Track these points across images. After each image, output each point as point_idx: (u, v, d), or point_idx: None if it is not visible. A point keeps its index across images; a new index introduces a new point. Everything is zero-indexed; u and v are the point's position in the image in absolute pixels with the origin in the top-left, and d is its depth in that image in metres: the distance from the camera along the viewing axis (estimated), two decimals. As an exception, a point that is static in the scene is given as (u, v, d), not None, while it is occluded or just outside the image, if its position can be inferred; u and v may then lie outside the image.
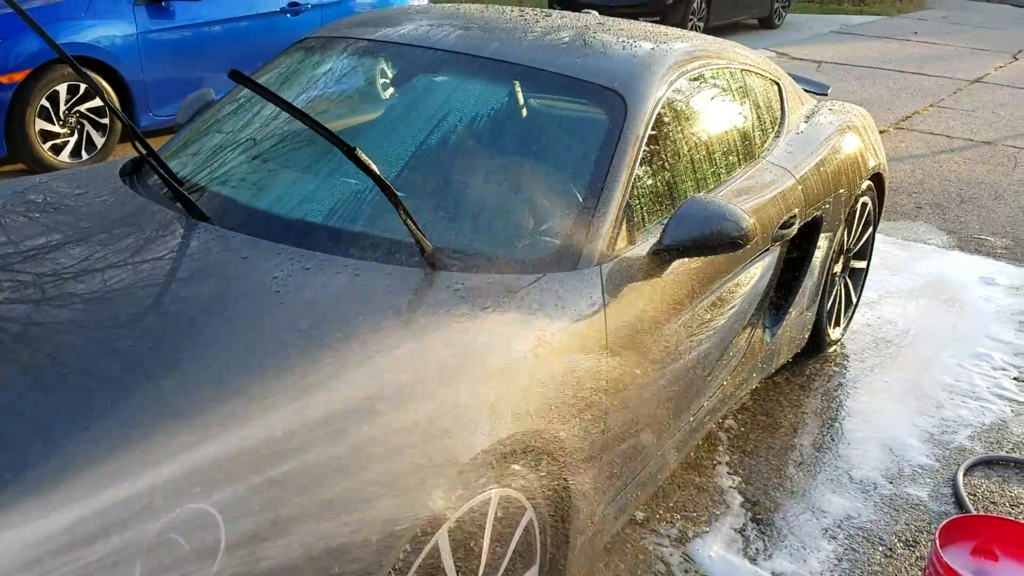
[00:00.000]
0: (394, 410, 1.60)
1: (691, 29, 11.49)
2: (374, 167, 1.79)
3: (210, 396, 1.53)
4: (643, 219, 2.36)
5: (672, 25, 11.12)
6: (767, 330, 3.10)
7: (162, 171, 2.18)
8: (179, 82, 5.80)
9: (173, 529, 1.33)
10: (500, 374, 1.78)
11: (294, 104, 2.62)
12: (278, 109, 2.48)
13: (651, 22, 11.07)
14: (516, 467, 1.81)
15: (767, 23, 13.54)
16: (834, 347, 3.79)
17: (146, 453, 1.41)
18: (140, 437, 1.44)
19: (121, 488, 1.36)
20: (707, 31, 12.02)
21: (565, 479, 1.96)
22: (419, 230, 1.93)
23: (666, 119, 2.52)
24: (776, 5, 13.55)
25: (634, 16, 11.22)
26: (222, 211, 2.18)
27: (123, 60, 5.48)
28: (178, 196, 2.16)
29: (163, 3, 5.66)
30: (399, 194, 1.89)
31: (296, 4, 6.39)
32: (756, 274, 2.84)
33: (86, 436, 1.43)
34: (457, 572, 1.70)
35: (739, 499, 2.81)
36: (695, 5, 11.65)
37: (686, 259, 2.35)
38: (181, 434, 1.45)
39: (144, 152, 2.17)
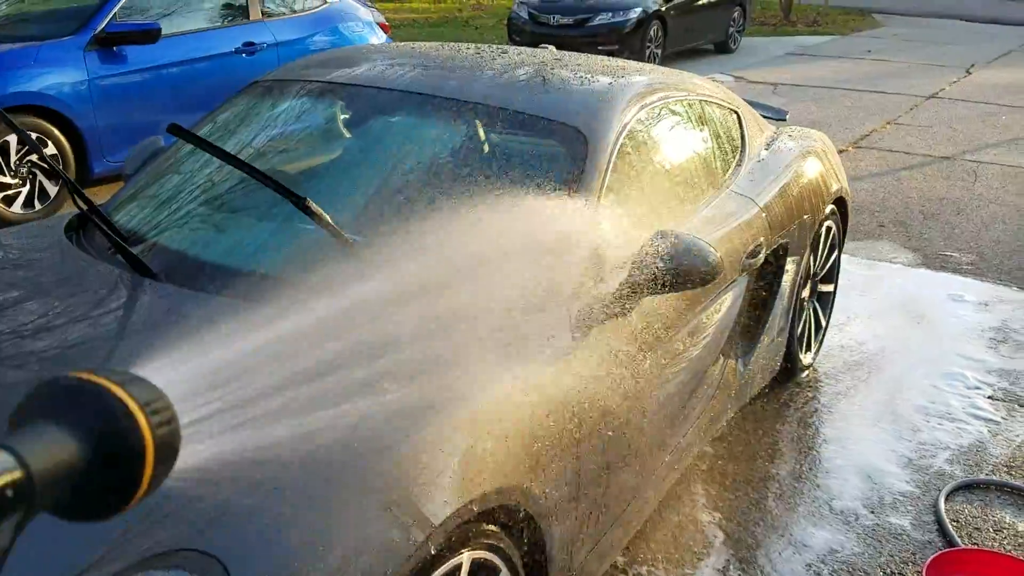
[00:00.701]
0: (354, 473, 1.51)
1: (648, 56, 11.59)
2: (327, 216, 1.71)
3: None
4: (611, 256, 2.30)
5: (630, 53, 11.20)
6: (740, 359, 3.05)
7: (104, 227, 2.09)
8: (134, 127, 5.68)
9: None
10: (466, 428, 1.70)
11: (245, 150, 2.55)
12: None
13: (608, 51, 11.14)
14: (489, 526, 1.73)
15: (723, 48, 13.69)
16: (807, 372, 3.75)
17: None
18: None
19: None
20: (664, 58, 12.12)
21: (540, 533, 1.88)
22: (376, 280, 1.86)
23: (628, 153, 2.47)
24: (731, 30, 13.71)
25: (592, 46, 11.29)
26: (169, 266, 2.09)
27: (75, 107, 5.37)
28: (122, 252, 2.07)
29: (115, 48, 5.56)
30: (354, 241, 1.82)
31: (252, 44, 6.32)
32: (726, 304, 2.79)
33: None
34: (428, 644, 1.61)
35: (720, 536, 2.74)
36: (651, 33, 11.74)
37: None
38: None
39: (85, 207, 2.08)
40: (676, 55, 12.69)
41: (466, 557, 1.66)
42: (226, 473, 1.43)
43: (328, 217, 1.70)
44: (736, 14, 13.73)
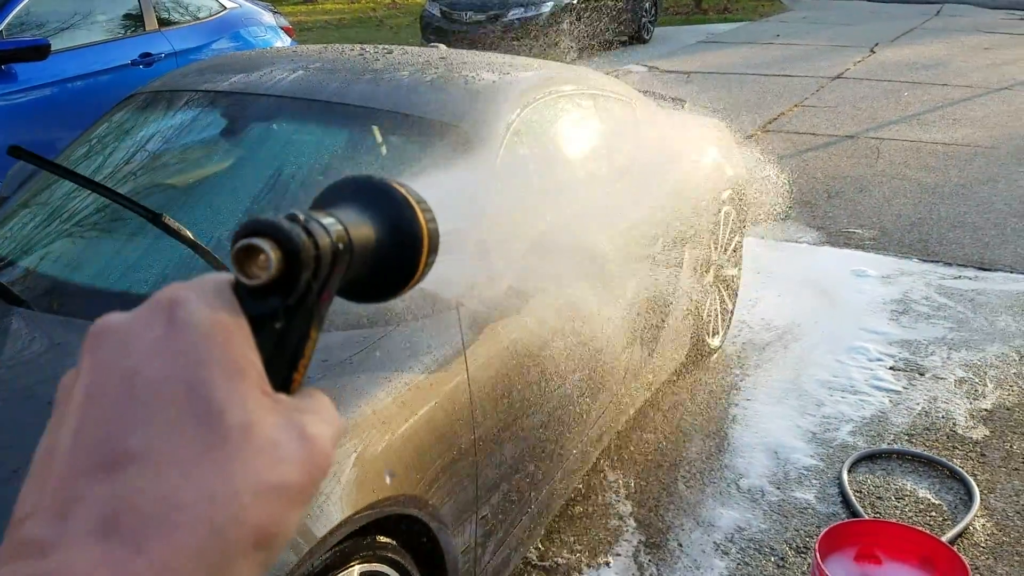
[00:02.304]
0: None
1: (565, 49, 11.65)
2: (186, 231, 1.67)
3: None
4: (500, 255, 2.29)
5: (546, 46, 11.25)
6: (645, 347, 3.09)
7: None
8: (29, 145, 5.48)
9: None
10: (356, 437, 1.68)
11: (125, 163, 2.48)
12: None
13: (523, 45, 11.09)
14: (379, 537, 1.71)
15: (636, 38, 13.84)
16: (715, 355, 3.81)
17: None
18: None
19: None
20: (580, 49, 12.20)
21: (437, 539, 1.87)
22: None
23: (516, 150, 2.47)
24: (644, 20, 13.87)
25: (506, 41, 11.30)
26: (41, 292, 2.02)
27: (-37, 129, 5.16)
28: (-11, 281, 1.99)
29: (2, 67, 5.36)
30: (225, 252, 1.79)
31: (149, 55, 6.16)
32: (628, 294, 2.82)
33: None
34: (317, 659, 1.58)
35: (632, 524, 2.76)
36: (565, 26, 11.81)
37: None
38: None
39: (-54, 237, 2.00)
40: (592, 47, 12.78)
41: (356, 569, 1.64)
42: None
43: (188, 232, 1.65)
44: (648, 4, 13.90)
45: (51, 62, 5.62)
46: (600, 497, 2.88)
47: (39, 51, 5.44)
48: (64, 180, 2.50)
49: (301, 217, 0.47)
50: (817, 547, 2.11)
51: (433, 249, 0.57)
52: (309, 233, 0.46)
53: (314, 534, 1.52)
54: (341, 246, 0.49)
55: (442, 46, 3.21)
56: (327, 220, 0.49)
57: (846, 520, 2.28)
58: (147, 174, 2.43)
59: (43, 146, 5.59)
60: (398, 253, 0.54)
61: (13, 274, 2.14)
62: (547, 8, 11.58)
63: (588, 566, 2.57)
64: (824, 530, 2.21)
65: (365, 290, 0.54)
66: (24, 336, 1.90)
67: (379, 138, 2.40)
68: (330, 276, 0.48)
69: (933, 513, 2.83)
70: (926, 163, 6.89)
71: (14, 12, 5.56)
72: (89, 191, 2.35)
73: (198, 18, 6.64)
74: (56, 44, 5.59)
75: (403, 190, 0.57)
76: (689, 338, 3.47)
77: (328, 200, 0.55)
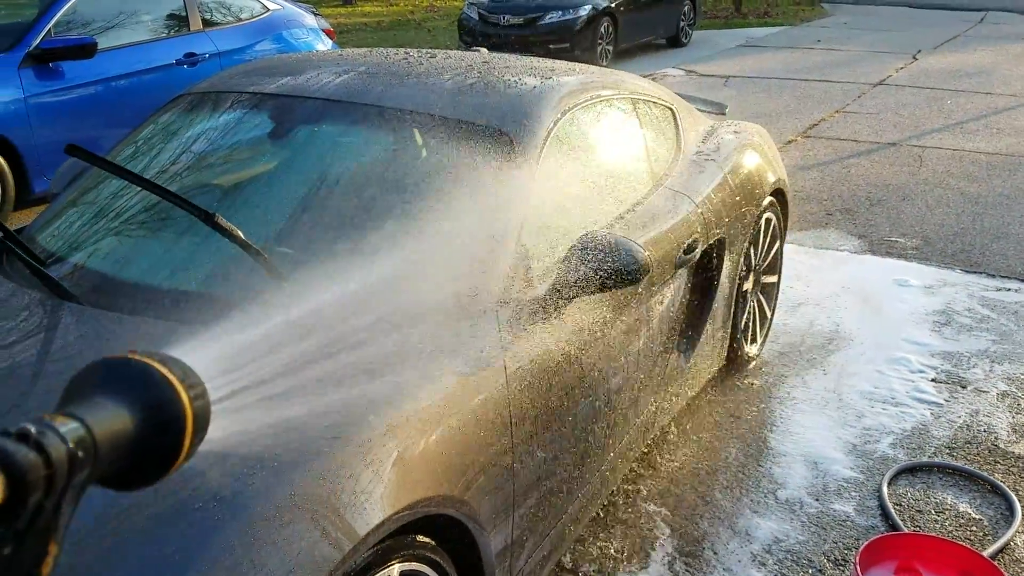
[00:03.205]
0: (280, 484, 1.49)
1: (600, 52, 11.63)
2: (237, 231, 1.69)
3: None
4: (540, 258, 2.30)
5: (582, 50, 11.24)
6: (682, 354, 3.07)
7: (20, 251, 2.05)
8: (75, 143, 5.59)
9: None
10: (395, 437, 1.69)
11: (172, 163, 2.52)
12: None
13: (560, 49, 11.13)
14: (418, 537, 1.72)
15: (674, 42, 13.78)
16: (752, 363, 3.78)
17: None
18: None
19: None
20: (616, 54, 12.17)
21: (475, 540, 1.88)
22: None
23: (557, 155, 2.47)
24: (682, 24, 13.80)
25: (543, 45, 11.31)
26: (90, 288, 2.06)
27: (11, 126, 5.27)
28: (40, 276, 2.03)
29: (50, 64, 5.47)
30: (283, 252, 1.81)
31: (193, 55, 6.25)
32: (665, 300, 2.81)
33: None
34: (356, 658, 1.59)
35: (667, 531, 2.75)
36: (603, 29, 11.79)
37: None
38: None
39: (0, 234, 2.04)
40: (628, 51, 12.74)
41: (396, 568, 1.65)
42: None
43: (239, 232, 1.67)
44: (687, 8, 13.82)
45: (97, 61, 5.72)
46: (635, 504, 2.87)
47: (86, 49, 5.54)
48: (112, 178, 2.54)
49: (33, 431, 0.44)
50: (857, 560, 2.09)
51: (200, 428, 0.53)
52: (41, 448, 0.43)
53: (356, 533, 1.53)
54: (81, 453, 0.46)
55: (484, 50, 3.22)
56: (67, 426, 0.46)
57: (886, 534, 2.25)
58: (195, 174, 2.47)
59: (88, 144, 5.68)
60: (159, 438, 0.50)
61: (63, 269, 2.18)
62: (584, 12, 11.56)
63: (623, 573, 2.56)
64: (864, 543, 2.18)
65: (126, 478, 0.51)
66: (73, 331, 1.93)
67: (420, 141, 2.42)
68: (67, 487, 0.45)
69: (974, 528, 2.79)
70: (969, 172, 6.78)
71: (62, 11, 5.67)
72: (140, 189, 2.39)
73: (241, 19, 6.73)
74: (102, 43, 5.69)
75: (164, 369, 0.53)
76: (727, 345, 3.45)
77: (78, 391, 0.53)
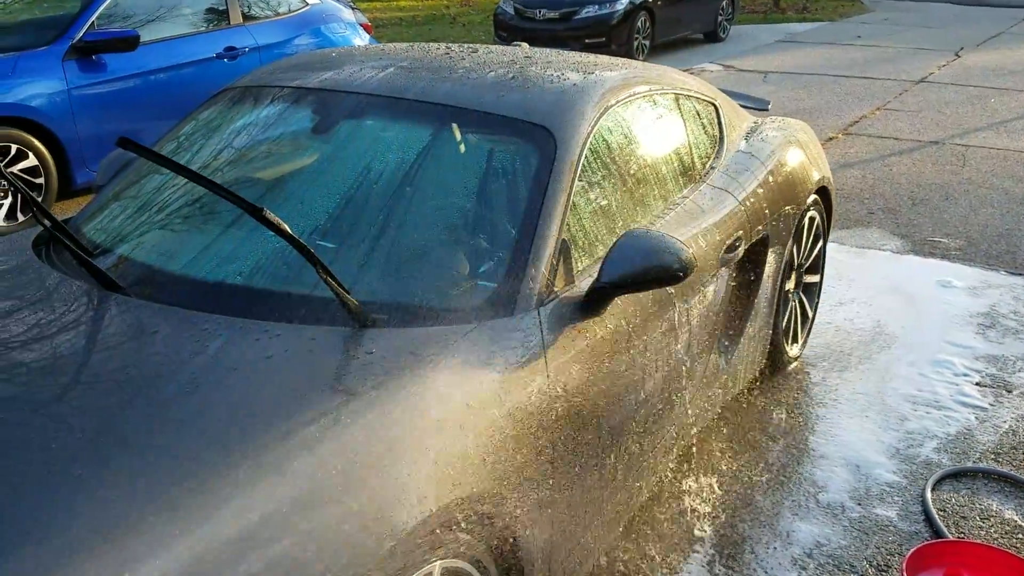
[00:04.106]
0: (322, 484, 1.49)
1: (637, 47, 11.55)
2: (285, 226, 1.69)
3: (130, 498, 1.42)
4: (581, 256, 2.28)
5: (617, 46, 11.17)
6: (724, 354, 3.03)
7: (68, 242, 2.07)
8: (116, 135, 5.65)
9: None
10: (437, 436, 1.68)
11: (216, 157, 2.53)
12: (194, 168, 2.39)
13: (596, 44, 11.09)
14: (460, 535, 1.71)
15: (712, 37, 13.65)
16: (794, 364, 3.73)
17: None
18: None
19: None
20: (653, 48, 12.08)
21: (515, 538, 1.86)
22: (341, 287, 1.84)
23: (599, 151, 2.45)
24: (720, 18, 13.67)
25: (579, 39, 11.25)
26: (136, 279, 2.07)
27: (55, 117, 5.34)
28: (87, 267, 2.05)
29: (93, 57, 5.54)
30: (324, 247, 1.80)
31: (233, 49, 6.29)
32: (707, 299, 2.77)
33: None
34: (399, 655, 1.59)
35: (706, 533, 2.72)
36: (639, 24, 11.70)
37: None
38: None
39: (48, 224, 2.06)
40: (665, 45, 12.65)
41: (437, 566, 1.65)
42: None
43: (286, 226, 1.67)
44: (725, 2, 13.69)
45: (138, 54, 5.79)
46: (674, 504, 2.84)
47: (128, 42, 5.60)
48: (158, 171, 2.56)
49: None
50: (904, 567, 2.05)
51: None
52: None
53: (397, 531, 1.52)
54: None
55: (525, 45, 3.20)
56: None
57: (932, 541, 2.20)
58: (239, 168, 2.47)
59: (129, 136, 5.75)
60: None
61: (108, 261, 2.20)
62: (621, 7, 11.48)
63: (661, 573, 2.53)
64: (911, 550, 2.14)
65: None
66: (117, 322, 1.94)
67: (458, 136, 2.40)
68: None
69: (1020, 535, 2.73)
70: (1014, 172, 6.65)
71: (105, 4, 5.74)
72: (185, 182, 2.40)
73: (280, 14, 6.76)
74: (143, 36, 5.75)
75: None
76: (768, 345, 3.40)
77: None
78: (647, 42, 11.94)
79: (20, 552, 1.29)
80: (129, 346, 1.85)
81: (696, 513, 2.80)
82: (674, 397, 2.64)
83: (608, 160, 2.48)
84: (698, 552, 2.63)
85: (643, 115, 2.76)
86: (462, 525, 1.71)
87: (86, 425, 1.57)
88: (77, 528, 1.33)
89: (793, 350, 3.68)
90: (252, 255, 2.09)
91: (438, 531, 1.63)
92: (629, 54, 11.24)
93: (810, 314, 3.82)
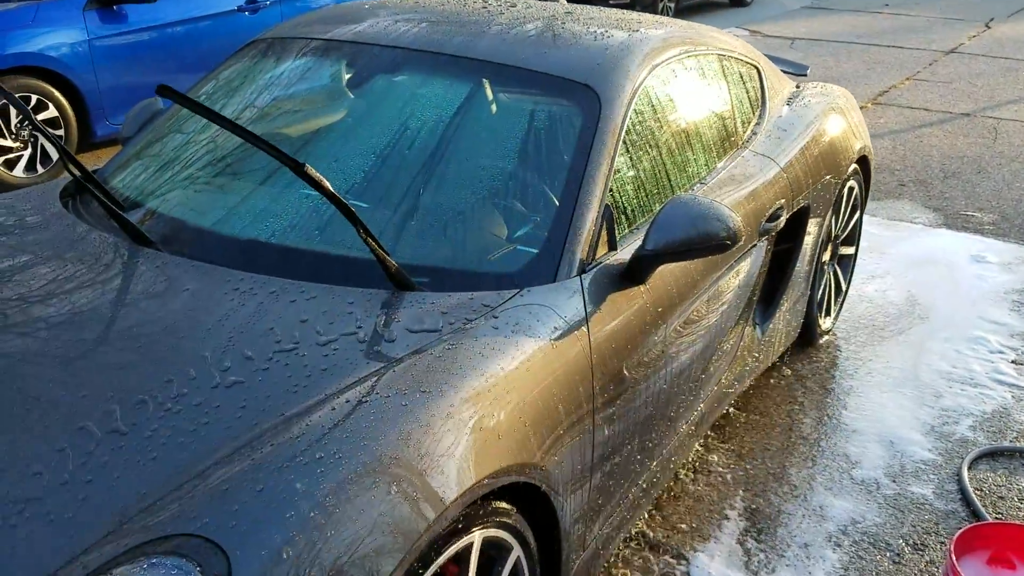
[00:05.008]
0: (361, 452, 1.44)
1: (662, 11, 11.34)
2: (326, 183, 1.62)
3: (171, 450, 1.37)
4: (624, 222, 2.20)
5: (643, 7, 10.96)
6: (758, 326, 2.97)
7: (99, 194, 2.00)
8: (136, 87, 5.58)
9: None
10: (477, 404, 1.62)
11: (245, 111, 2.45)
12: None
13: (621, 5, 10.87)
14: (500, 504, 1.66)
15: (738, 1, 13.40)
16: (826, 337, 3.65)
17: None
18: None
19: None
20: (678, 12, 11.86)
21: (553, 508, 1.82)
22: (381, 248, 1.77)
23: (643, 113, 2.37)
24: (746, -18, 13.41)
25: (604, 0, 11.04)
26: (167, 234, 2.01)
27: (75, 68, 5.26)
28: (118, 220, 1.99)
29: (114, 7, 5.44)
30: (358, 206, 1.74)
31: (254, 1, 6.17)
32: (744, 269, 2.70)
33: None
34: (439, 625, 1.55)
35: (739, 507, 2.67)
36: (665, -14, 11.48)
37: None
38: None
39: (79, 175, 2.00)
40: (689, 9, 12.41)
41: (477, 536, 1.60)
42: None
43: (328, 183, 1.60)
44: (750, -33, 13.42)
45: (159, 5, 5.69)
46: (706, 477, 2.79)
47: (149, -8, 5.49)
48: (187, 124, 2.49)
49: None
50: (952, 548, 1.99)
51: None
52: None
53: (440, 501, 1.47)
54: None
55: (563, 0, 3.10)
56: None
57: (979, 523, 2.14)
58: (268, 123, 2.40)
59: (149, 89, 5.66)
60: None
61: (138, 214, 2.14)
62: (646, -32, 11.26)
63: (693, 548, 2.49)
64: (959, 531, 2.09)
65: None
66: (147, 276, 1.89)
67: (490, 94, 2.32)
68: None
69: (1059, 518, 2.67)
70: (1049, 146, 6.50)
71: (125, -46, 5.61)
72: (216, 136, 2.33)
73: (303, -34, 6.61)
74: (165, -12, 5.63)
75: None
76: (802, 318, 3.33)
77: None
78: (671, 3, 11.72)
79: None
80: (158, 300, 1.79)
81: (727, 486, 2.76)
82: (711, 367, 2.58)
83: (652, 122, 2.40)
84: (731, 526, 2.58)
85: (687, 76, 2.67)
86: (503, 494, 1.66)
87: (114, 382, 1.52)
88: (99, 489, 1.29)
89: (826, 323, 3.60)
90: (287, 212, 2.02)
91: (478, 501, 1.59)
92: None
93: (844, 287, 3.74)
